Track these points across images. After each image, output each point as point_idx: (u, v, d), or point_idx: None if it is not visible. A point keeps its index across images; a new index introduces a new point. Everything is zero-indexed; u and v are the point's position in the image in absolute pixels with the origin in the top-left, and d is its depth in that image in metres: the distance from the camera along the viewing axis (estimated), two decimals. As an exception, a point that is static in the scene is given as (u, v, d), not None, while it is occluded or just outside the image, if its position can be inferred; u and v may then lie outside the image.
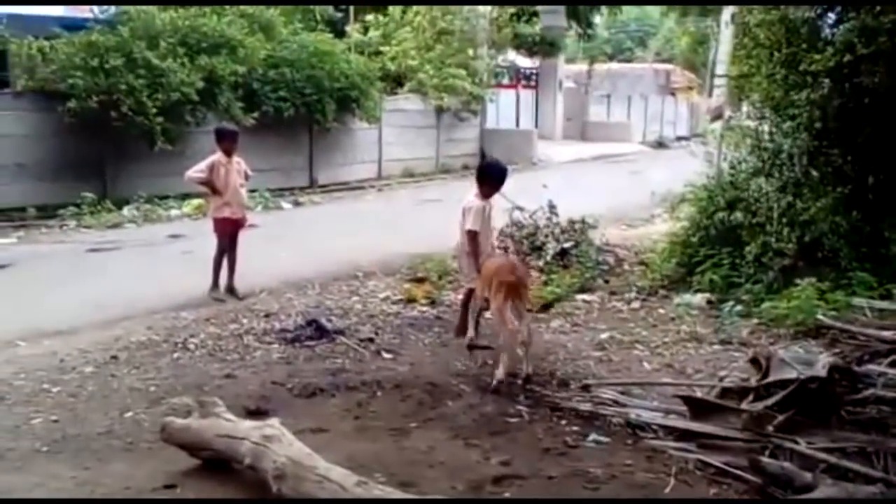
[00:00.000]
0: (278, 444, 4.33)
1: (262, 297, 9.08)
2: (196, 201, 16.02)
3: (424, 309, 8.78)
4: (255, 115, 17.55)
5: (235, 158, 9.50)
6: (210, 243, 9.60)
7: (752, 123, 10.21)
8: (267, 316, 8.32)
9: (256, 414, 5.58)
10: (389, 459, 4.90)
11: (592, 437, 5.26)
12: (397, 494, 3.97)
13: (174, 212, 15.37)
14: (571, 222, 11.24)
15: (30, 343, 7.43)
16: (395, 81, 23.71)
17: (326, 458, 4.70)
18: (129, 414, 5.67)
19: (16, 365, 6.77)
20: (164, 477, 4.64)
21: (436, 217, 14.97)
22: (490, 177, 7.54)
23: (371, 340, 7.36)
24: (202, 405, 4.84)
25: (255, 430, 4.48)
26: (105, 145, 15.80)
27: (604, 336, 7.67)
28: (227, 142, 9.51)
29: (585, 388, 6.07)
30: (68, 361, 6.87)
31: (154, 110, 15.39)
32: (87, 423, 5.51)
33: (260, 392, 6.07)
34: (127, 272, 10.29)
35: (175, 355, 7.04)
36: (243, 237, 9.52)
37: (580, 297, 9.24)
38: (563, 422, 5.53)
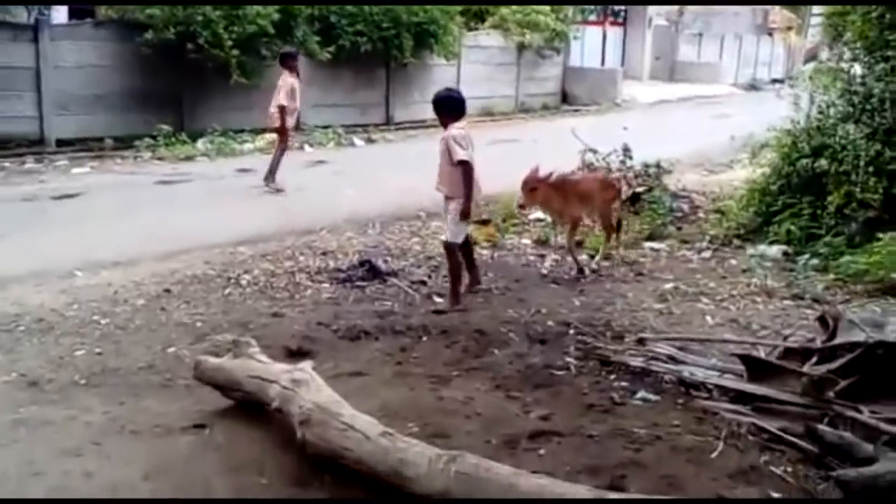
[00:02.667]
0: (306, 388, 4.20)
1: (322, 235, 8.97)
2: (269, 136, 16.02)
3: (484, 252, 8.55)
4: (332, 49, 17.37)
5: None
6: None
7: (844, 65, 9.57)
8: (324, 254, 8.23)
9: (297, 355, 5.50)
10: (425, 408, 4.73)
11: (641, 394, 4.99)
12: (422, 446, 3.79)
13: (247, 146, 15.37)
14: (646, 166, 10.80)
15: (87, 273, 7.48)
16: (475, 17, 23.19)
17: (360, 405, 4.58)
18: (172, 349, 5.64)
19: (70, 295, 6.82)
20: (195, 416, 4.57)
21: (507, 158, 14.65)
22: (448, 107, 6.77)
23: (423, 283, 7.19)
24: (236, 345, 4.73)
25: (285, 373, 4.35)
26: (182, 78, 15.83)
27: (667, 287, 7.33)
28: (291, 60, 12.07)
29: (640, 341, 5.76)
30: (121, 293, 6.89)
31: (230, 43, 15.32)
32: (129, 357, 5.50)
33: (304, 332, 5.96)
34: (192, 205, 10.32)
35: (226, 291, 7.00)
36: (312, 173, 9.65)
37: (648, 244, 8.88)
38: (612, 377, 5.26)
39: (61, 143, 14.93)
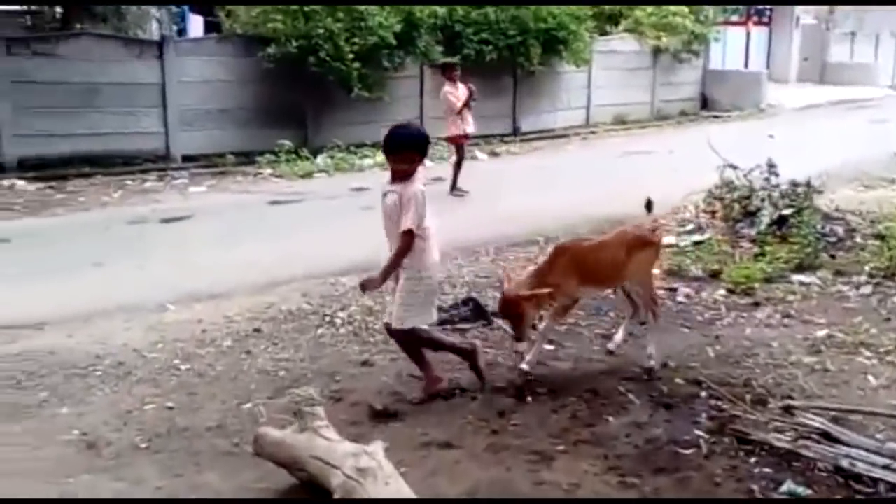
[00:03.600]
0: (372, 480, 3.54)
1: (430, 264, 8.30)
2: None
3: (607, 285, 7.69)
4: (456, 59, 16.79)
5: (462, 85, 12.06)
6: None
7: None
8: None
9: (381, 416, 4.87)
10: (520, 496, 4.00)
11: (787, 486, 4.09)
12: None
13: (367, 161, 14.96)
14: (794, 185, 9.64)
15: (180, 307, 7.09)
16: (609, 20, 22.18)
17: (445, 489, 3.94)
18: (248, 405, 5.10)
19: (157, 332, 6.43)
20: (254, 495, 4.00)
21: (640, 172, 13.73)
22: (415, 146, 5.10)
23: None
24: (300, 416, 4.11)
25: (351, 457, 3.70)
26: (304, 92, 15.60)
27: (820, 334, 6.30)
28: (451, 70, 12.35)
29: (787, 409, 4.83)
30: (210, 332, 6.44)
31: (351, 55, 14.98)
32: (200, 413, 4.99)
33: (393, 387, 5.33)
34: (300, 229, 9.86)
35: (319, 331, 6.44)
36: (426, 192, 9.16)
37: (797, 277, 7.80)
38: (752, 459, 4.38)
39: (186, 158, 14.94)
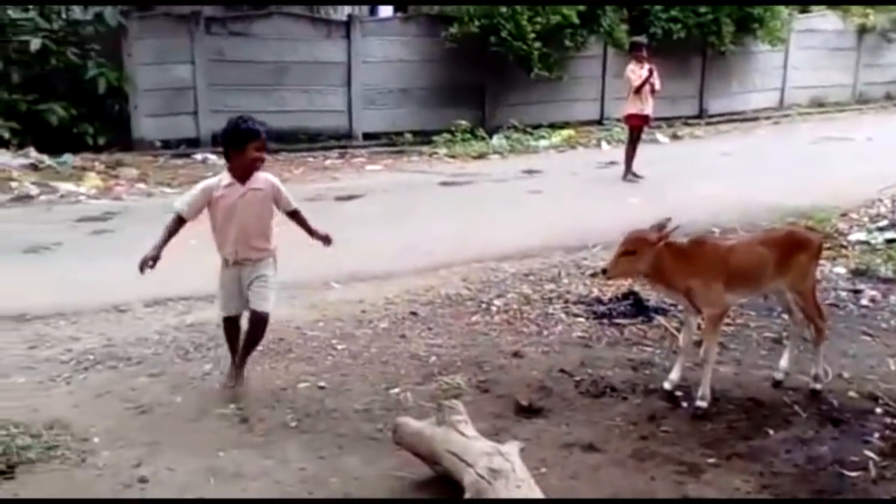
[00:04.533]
0: (504, 483, 3.44)
1: (595, 252, 8.08)
2: (566, 132, 15.37)
3: (784, 284, 7.20)
4: (643, 37, 16.26)
5: (648, 65, 11.64)
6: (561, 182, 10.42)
7: None
8: (594, 275, 7.36)
9: (527, 412, 4.76)
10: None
11: (968, 524, 3.66)
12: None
13: (542, 142, 14.80)
14: None
15: (343, 286, 7.23)
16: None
17: (582, 494, 3.79)
18: (396, 390, 5.11)
19: (319, 311, 6.58)
20: (392, 485, 4.01)
21: (833, 160, 12.84)
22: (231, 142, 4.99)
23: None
24: (440, 409, 4.06)
25: (485, 456, 3.62)
26: (484, 72, 15.61)
27: None
28: (637, 50, 12.01)
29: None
30: (369, 313, 6.53)
31: (533, 35, 14.82)
32: (350, 395, 5.05)
33: (542, 381, 5.20)
34: (467, 211, 9.85)
35: (473, 318, 6.39)
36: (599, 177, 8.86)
37: None
38: (929, 488, 3.96)
39: (367, 136, 15.31)
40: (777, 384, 5.12)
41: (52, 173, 11.57)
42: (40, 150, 12.02)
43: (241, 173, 5.00)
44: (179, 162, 12.88)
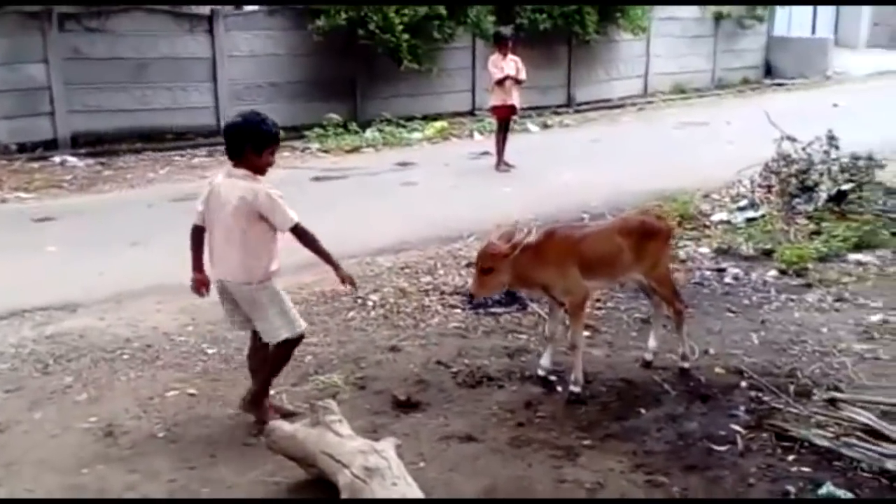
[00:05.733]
0: (380, 481, 3.40)
1: (470, 243, 8.10)
2: (439, 124, 15.39)
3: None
4: (509, 28, 16.43)
5: (511, 57, 11.67)
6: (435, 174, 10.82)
7: None
8: (469, 265, 7.36)
9: (405, 406, 4.73)
10: (540, 495, 3.82)
11: (826, 488, 3.84)
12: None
13: (415, 135, 14.75)
14: (855, 158, 9.18)
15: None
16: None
17: (461, 486, 3.79)
18: (271, 393, 4.97)
19: (189, 314, 6.33)
20: (267, 491, 3.90)
21: (692, 144, 13.31)
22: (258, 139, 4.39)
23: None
24: (313, 409, 3.98)
25: (360, 455, 3.56)
26: (354, 65, 15.41)
27: (874, 319, 5.99)
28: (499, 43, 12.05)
29: (832, 402, 4.55)
30: (240, 314, 6.33)
31: (401, 26, 14.73)
32: (222, 401, 4.90)
33: (420, 374, 5.18)
34: (339, 206, 9.69)
35: (350, 314, 6.31)
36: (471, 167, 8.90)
37: (854, 257, 7.46)
38: (791, 457, 4.14)
39: (236, 133, 14.90)
40: (647, 364, 5.24)
41: None
42: None
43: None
44: (36, 165, 12.21)
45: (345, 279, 4.71)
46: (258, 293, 4.42)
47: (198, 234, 4.54)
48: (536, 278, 4.80)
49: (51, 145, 13.14)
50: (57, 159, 12.56)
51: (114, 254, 7.79)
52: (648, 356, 5.27)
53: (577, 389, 4.80)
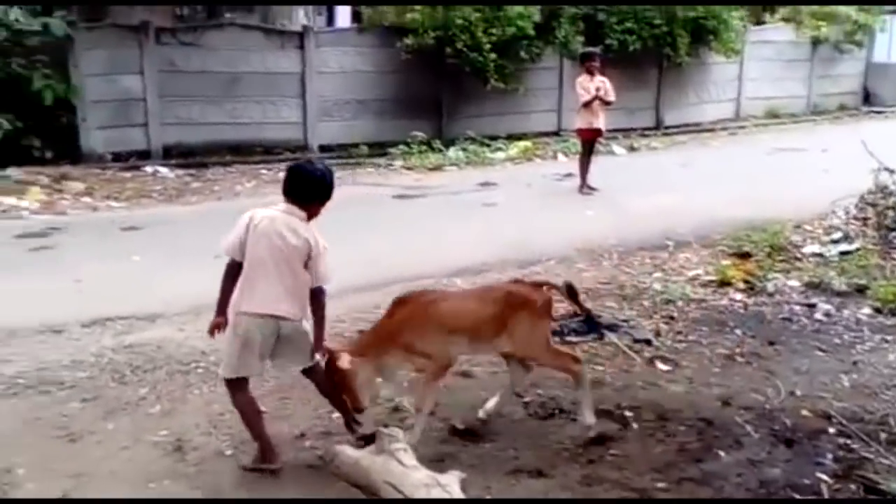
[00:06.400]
0: (442, 515, 3.28)
1: (549, 266, 7.97)
2: (523, 144, 15.30)
3: (738, 297, 7.16)
4: (597, 49, 16.26)
5: (599, 78, 11.45)
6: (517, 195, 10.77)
7: None
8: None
9: (464, 435, 4.59)
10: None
11: (918, 548, 3.57)
12: None
13: (499, 154, 14.71)
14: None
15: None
16: (764, 8, 21.00)
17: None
18: (337, 414, 4.92)
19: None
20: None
21: (789, 172, 12.89)
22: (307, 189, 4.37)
23: (648, 342, 5.98)
24: (379, 437, 3.90)
25: (423, 487, 3.48)
26: (441, 83, 15.49)
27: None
28: (589, 61, 11.70)
29: (928, 454, 4.27)
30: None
31: (488, 45, 14.74)
32: (291, 420, 4.87)
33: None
34: (420, 225, 9.69)
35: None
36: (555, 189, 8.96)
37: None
38: (879, 512, 3.87)
39: (323, 148, 15.10)
40: (482, 421, 4.71)
41: (-8, 188, 11.23)
42: (-16, 163, 11.66)
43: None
44: (128, 175, 12.57)
45: (319, 351, 4.35)
46: (302, 326, 4.29)
47: (235, 272, 4.26)
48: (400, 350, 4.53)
49: (143, 156, 13.53)
50: (149, 169, 12.91)
51: (196, 265, 7.84)
52: (482, 414, 4.74)
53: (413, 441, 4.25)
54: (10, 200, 10.70)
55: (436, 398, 4.63)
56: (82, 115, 13.08)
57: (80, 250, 8.61)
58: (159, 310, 6.77)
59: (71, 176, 12.02)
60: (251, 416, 4.32)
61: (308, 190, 4.34)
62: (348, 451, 3.94)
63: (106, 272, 7.67)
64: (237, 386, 4.27)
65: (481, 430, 4.65)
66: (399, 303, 4.60)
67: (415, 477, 3.59)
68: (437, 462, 4.14)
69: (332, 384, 4.44)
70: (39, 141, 12.74)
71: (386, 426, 4.17)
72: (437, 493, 3.38)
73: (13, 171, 11.70)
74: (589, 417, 4.57)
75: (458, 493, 3.43)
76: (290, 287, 4.21)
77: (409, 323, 4.45)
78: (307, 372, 4.49)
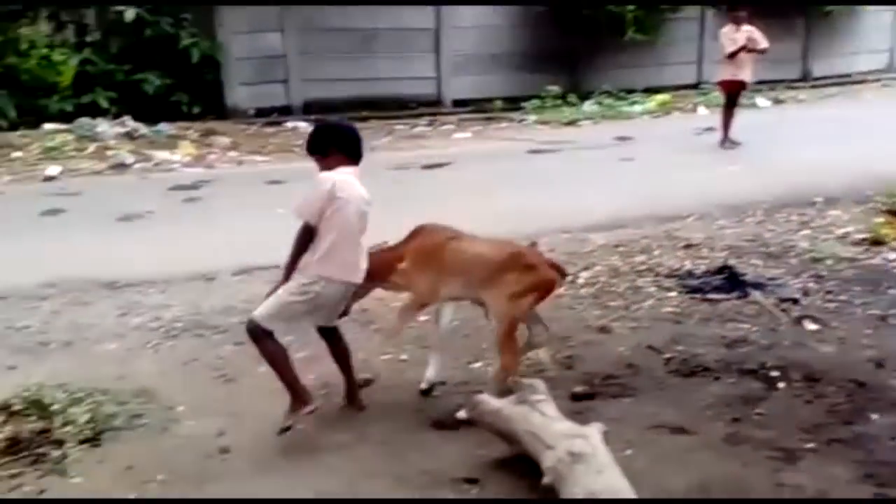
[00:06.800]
0: (585, 467, 3.31)
1: (689, 223, 7.80)
2: (661, 97, 14.91)
3: (892, 257, 6.82)
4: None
5: (745, 28, 11.20)
6: (655, 149, 10.39)
7: None
8: (686, 247, 7.10)
9: (582, 399, 4.53)
10: (754, 496, 3.60)
11: None
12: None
13: (636, 108, 14.40)
14: None
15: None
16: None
17: (669, 479, 3.63)
18: (478, 364, 5.02)
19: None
20: (470, 465, 3.89)
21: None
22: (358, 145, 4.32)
23: (795, 301, 5.77)
24: (519, 386, 3.94)
25: (565, 438, 3.49)
26: (576, 36, 15.27)
27: None
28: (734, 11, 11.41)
29: None
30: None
31: (626, -4, 14.43)
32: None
33: (630, 358, 5.01)
34: (555, 179, 9.61)
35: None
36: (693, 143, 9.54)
37: None
38: None
39: (457, 103, 15.18)
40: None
41: (147, 142, 11.80)
42: (136, 118, 12.26)
43: None
44: (270, 130, 13.00)
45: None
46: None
47: (311, 237, 4.20)
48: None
49: (284, 111, 13.92)
50: (289, 125, 13.29)
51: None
52: (424, 385, 4.61)
53: (425, 386, 4.57)
54: (163, 154, 11.25)
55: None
56: (226, 71, 13.56)
57: (228, 202, 8.99)
58: (303, 261, 6.97)
59: (217, 131, 12.53)
60: (283, 363, 4.21)
61: (359, 145, 4.32)
62: (490, 401, 3.99)
63: (252, 223, 7.97)
64: (269, 334, 4.17)
65: (592, 392, 4.60)
66: (416, 231, 4.63)
67: (556, 427, 3.61)
68: (576, 415, 4.12)
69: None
70: (187, 97, 13.31)
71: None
72: (578, 444, 3.39)
73: (165, 126, 12.27)
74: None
75: (599, 445, 3.43)
76: (363, 250, 4.29)
77: (418, 253, 4.49)
78: (327, 332, 4.46)
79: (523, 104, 14.61)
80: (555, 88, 14.78)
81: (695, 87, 16.29)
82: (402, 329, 4.82)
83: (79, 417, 4.33)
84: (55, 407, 4.42)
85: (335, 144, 4.26)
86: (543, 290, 4.36)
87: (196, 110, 13.35)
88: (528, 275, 4.29)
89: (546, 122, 13.70)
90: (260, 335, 4.17)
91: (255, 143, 12.10)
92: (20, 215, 8.58)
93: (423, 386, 4.62)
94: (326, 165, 4.24)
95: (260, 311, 4.18)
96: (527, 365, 4.96)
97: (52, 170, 10.39)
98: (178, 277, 6.69)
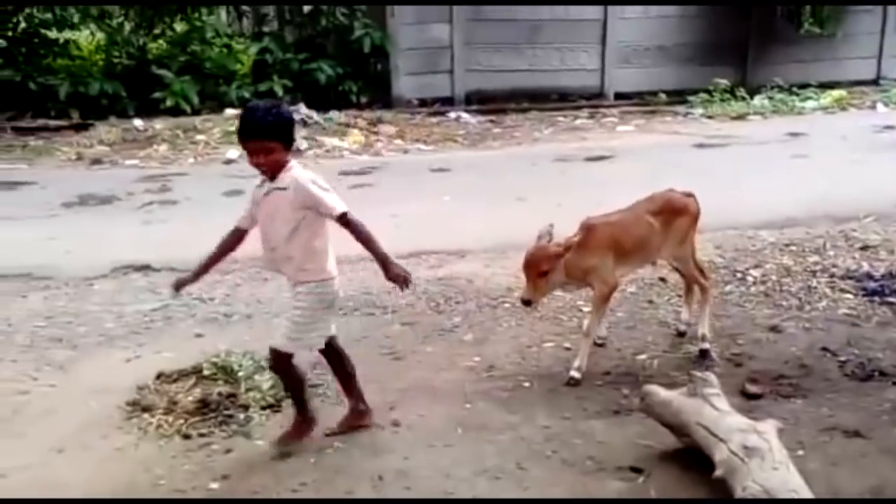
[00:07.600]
0: (759, 463, 3.29)
1: (866, 224, 7.48)
2: (836, 92, 14.27)
3: None
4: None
5: None
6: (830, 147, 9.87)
7: None
8: (862, 249, 6.83)
9: (752, 398, 4.46)
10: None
11: None
12: None
13: (809, 103, 13.84)
14: None
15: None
16: None
17: (840, 483, 3.61)
18: (642, 356, 5.03)
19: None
20: (636, 454, 3.93)
21: None
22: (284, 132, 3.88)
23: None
24: (692, 380, 3.93)
25: (739, 433, 3.47)
26: (747, 27, 14.83)
27: None
28: None
29: None
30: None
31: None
32: (594, 358, 4.93)
33: (802, 359, 4.89)
34: (722, 175, 9.36)
35: (727, 287, 6.12)
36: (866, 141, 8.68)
37: None
38: None
39: (619, 96, 15.03)
40: (680, 334, 5.25)
41: (319, 129, 12.30)
42: (309, 106, 12.79)
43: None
44: (434, 120, 13.29)
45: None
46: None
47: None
48: (581, 273, 4.74)
49: (447, 101, 14.17)
50: (452, 115, 13.53)
51: (500, 207, 8.26)
52: (682, 327, 5.29)
53: (577, 375, 4.69)
54: (334, 141, 11.71)
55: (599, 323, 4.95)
56: (395, 62, 13.95)
57: (395, 188, 9.29)
58: (468, 246, 7.17)
59: (384, 119, 12.91)
60: (301, 386, 4.15)
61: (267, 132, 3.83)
62: (660, 392, 4.01)
63: (419, 209, 8.22)
64: (290, 357, 4.00)
65: (761, 393, 4.51)
66: (589, 229, 4.77)
67: (729, 421, 3.59)
68: (746, 412, 4.06)
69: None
70: (356, 86, 13.77)
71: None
72: (753, 440, 3.36)
73: (335, 114, 12.75)
74: (705, 343, 4.97)
75: (775, 442, 3.39)
76: (283, 240, 4.03)
77: (598, 248, 4.72)
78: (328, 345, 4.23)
79: (689, 97, 14.30)
80: (723, 81, 14.38)
81: (874, 83, 15.48)
82: (599, 322, 4.98)
83: (262, 384, 4.63)
84: (241, 373, 4.75)
85: (292, 132, 4.00)
86: (694, 217, 5.11)
87: (364, 99, 13.79)
88: (683, 217, 5.02)
89: (713, 115, 13.39)
90: (287, 358, 4.00)
91: (419, 132, 12.41)
92: (205, 195, 9.15)
93: (574, 374, 4.72)
94: (283, 157, 3.87)
95: (277, 341, 4.00)
96: (692, 360, 4.95)
97: (232, 153, 10.99)
98: (349, 258, 6.95)
